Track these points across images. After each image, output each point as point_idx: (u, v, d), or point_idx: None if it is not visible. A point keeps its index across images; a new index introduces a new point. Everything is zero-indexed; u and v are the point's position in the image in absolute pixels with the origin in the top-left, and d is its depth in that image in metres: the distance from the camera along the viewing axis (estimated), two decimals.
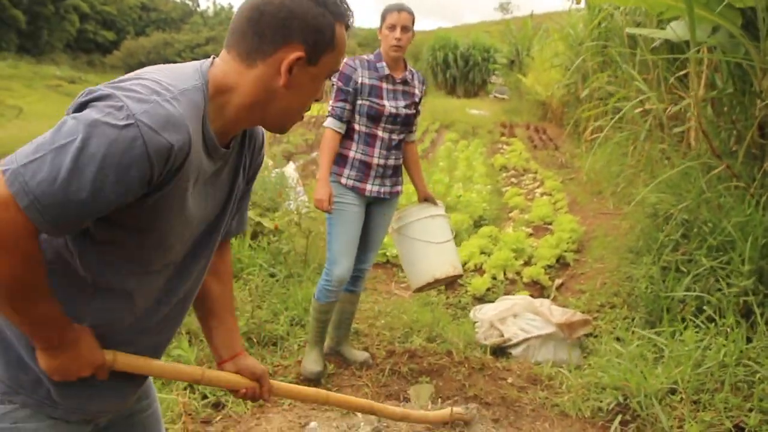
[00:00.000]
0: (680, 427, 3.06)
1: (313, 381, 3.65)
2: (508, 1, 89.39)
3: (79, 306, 1.32)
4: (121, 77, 1.24)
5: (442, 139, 18.42)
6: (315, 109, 21.71)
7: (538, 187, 10.62)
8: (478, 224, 7.70)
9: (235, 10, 1.61)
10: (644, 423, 3.16)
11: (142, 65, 1.46)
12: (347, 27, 1.39)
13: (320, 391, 2.11)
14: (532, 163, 13.22)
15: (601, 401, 3.40)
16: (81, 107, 1.17)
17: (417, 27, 3.62)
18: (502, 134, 19.09)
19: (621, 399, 3.32)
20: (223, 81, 1.32)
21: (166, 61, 1.63)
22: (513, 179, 11.76)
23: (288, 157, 14.18)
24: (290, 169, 7.10)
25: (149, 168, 1.14)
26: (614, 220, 6.89)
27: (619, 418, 3.23)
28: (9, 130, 22.60)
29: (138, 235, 1.30)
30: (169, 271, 1.43)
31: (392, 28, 3.51)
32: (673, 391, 3.25)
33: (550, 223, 7.70)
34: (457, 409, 3.07)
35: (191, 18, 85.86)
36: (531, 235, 7.31)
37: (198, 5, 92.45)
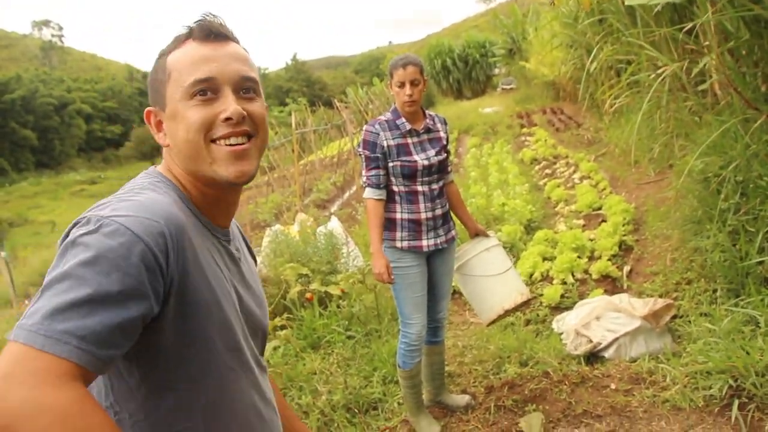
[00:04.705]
0: None
1: None
2: None
3: None
4: None
5: (464, 146, 18.40)
6: (334, 147, 21.82)
7: (574, 172, 10.55)
8: (529, 229, 7.67)
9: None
10: (763, 402, 3.11)
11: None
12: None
13: None
14: (560, 148, 13.15)
15: (711, 387, 3.35)
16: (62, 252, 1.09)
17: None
18: (522, 126, 18.99)
19: (732, 382, 3.27)
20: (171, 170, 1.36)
21: None
22: (547, 170, 11.70)
23: (321, 206, 14.28)
24: (335, 225, 7.15)
25: (147, 248, 1.07)
26: (662, 191, 6.82)
27: (736, 402, 3.17)
28: (52, 249, 23.04)
29: (202, 339, 1.22)
30: (253, 374, 1.39)
31: (401, 85, 3.47)
32: None
33: (600, 208, 7.65)
34: None
35: None
36: (584, 226, 7.26)
37: None
